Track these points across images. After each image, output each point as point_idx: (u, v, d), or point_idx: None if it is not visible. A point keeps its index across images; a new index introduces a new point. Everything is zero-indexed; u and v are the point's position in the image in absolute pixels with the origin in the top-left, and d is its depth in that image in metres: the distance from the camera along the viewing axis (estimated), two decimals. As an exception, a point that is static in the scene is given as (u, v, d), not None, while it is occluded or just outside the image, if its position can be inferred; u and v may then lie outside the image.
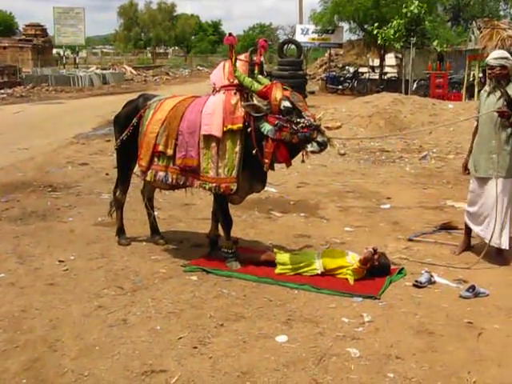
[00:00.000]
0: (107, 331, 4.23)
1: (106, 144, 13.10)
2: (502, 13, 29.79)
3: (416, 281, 5.13)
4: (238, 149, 5.17)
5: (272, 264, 5.39)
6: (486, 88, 5.92)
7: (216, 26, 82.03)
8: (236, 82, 5.23)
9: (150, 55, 68.59)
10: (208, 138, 5.20)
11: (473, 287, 4.95)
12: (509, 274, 5.48)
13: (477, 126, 5.94)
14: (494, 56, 5.73)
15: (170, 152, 5.44)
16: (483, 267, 5.61)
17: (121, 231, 6.27)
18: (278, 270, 5.32)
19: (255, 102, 5.24)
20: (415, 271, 5.41)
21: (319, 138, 4.93)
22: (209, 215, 7.10)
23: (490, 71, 5.78)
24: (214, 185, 5.23)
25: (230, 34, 5.22)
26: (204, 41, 77.23)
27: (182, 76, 45.93)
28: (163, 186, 5.79)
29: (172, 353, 3.94)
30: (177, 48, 77.53)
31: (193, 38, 76.92)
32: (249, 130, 5.14)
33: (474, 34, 25.09)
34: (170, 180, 5.48)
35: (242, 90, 5.26)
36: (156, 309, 4.61)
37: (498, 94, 5.66)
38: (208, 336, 4.17)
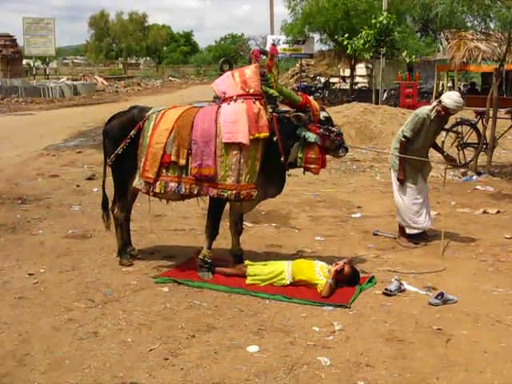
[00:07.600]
0: (77, 344, 4.20)
1: (77, 155, 13.03)
2: (469, 24, 30.29)
3: (386, 289, 5.19)
4: (259, 156, 5.28)
5: (243, 276, 5.41)
6: (432, 116, 6.64)
7: (188, 36, 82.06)
8: (252, 91, 5.34)
9: (121, 66, 68.21)
10: (229, 146, 5.23)
11: (441, 294, 5.03)
12: (476, 280, 5.57)
13: (408, 140, 6.68)
14: (456, 104, 6.51)
15: (182, 162, 5.37)
16: (451, 274, 5.71)
17: (123, 251, 6.00)
18: (248, 280, 5.34)
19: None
20: (385, 279, 5.47)
21: (345, 144, 5.72)
22: (180, 226, 7.15)
23: (441, 110, 6.52)
24: (234, 192, 5.25)
25: (274, 45, 5.35)
26: (176, 51, 77.16)
27: (153, 87, 45.74)
28: (174, 197, 5.67)
29: (143, 365, 3.93)
30: (148, 59, 77.23)
31: (164, 48, 76.72)
32: (275, 138, 5.32)
33: (442, 44, 25.55)
34: (184, 190, 5.40)
35: (261, 100, 5.35)
36: (127, 321, 4.59)
37: (440, 124, 6.82)
38: (179, 347, 4.17)
